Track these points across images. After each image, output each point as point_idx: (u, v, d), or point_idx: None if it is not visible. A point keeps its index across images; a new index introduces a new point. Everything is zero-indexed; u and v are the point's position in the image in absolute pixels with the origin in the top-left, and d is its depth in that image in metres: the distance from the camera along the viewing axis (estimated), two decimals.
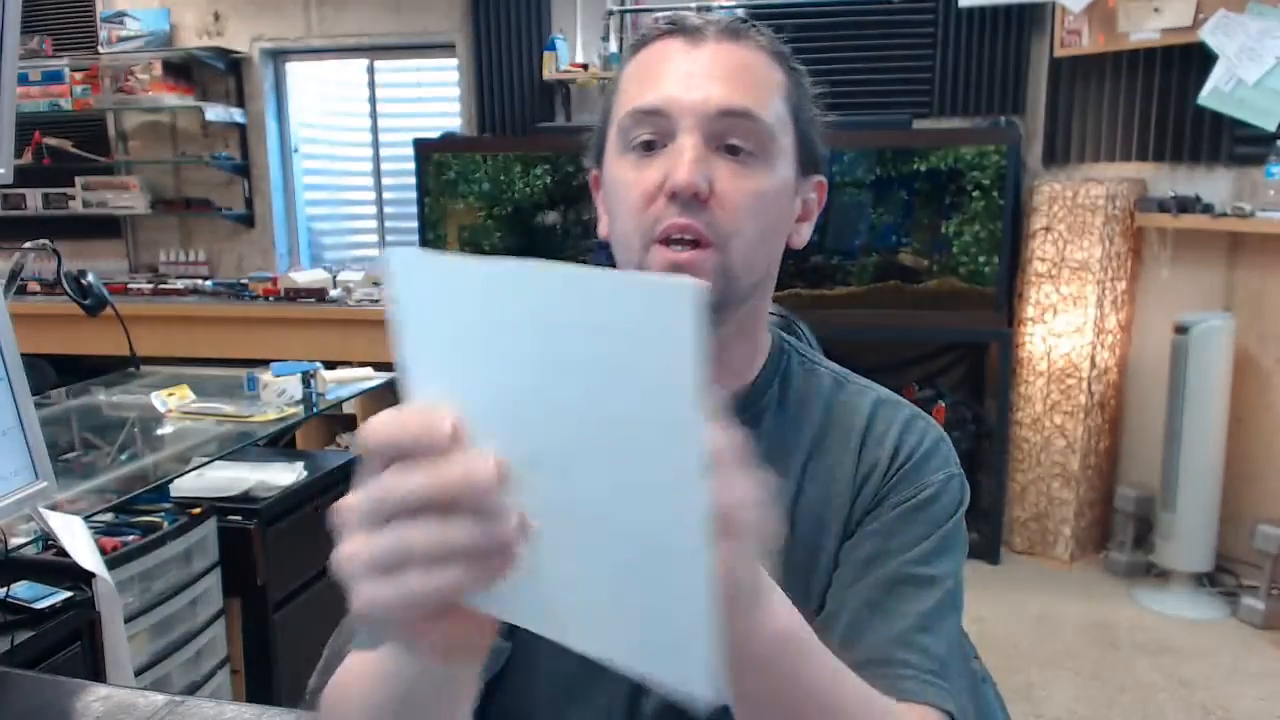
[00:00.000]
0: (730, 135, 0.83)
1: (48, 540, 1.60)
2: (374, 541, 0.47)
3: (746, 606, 0.56)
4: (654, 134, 0.84)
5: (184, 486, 2.05)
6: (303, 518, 2.26)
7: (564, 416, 0.46)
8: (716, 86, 0.83)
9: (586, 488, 0.46)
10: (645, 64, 0.88)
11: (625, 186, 0.85)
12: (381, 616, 0.49)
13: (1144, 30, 3.53)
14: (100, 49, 4.87)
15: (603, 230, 0.92)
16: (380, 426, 0.49)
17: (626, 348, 0.44)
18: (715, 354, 0.89)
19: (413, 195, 4.38)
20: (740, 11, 4.05)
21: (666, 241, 0.82)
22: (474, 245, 4.20)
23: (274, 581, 2.14)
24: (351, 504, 0.49)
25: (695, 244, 0.81)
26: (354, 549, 0.48)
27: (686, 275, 0.76)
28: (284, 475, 2.25)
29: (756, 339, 0.92)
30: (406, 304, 0.48)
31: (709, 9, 4.21)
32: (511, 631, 0.92)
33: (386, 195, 5.11)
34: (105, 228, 5.13)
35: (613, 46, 4.35)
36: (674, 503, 0.45)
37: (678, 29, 0.87)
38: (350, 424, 4.20)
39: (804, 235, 0.93)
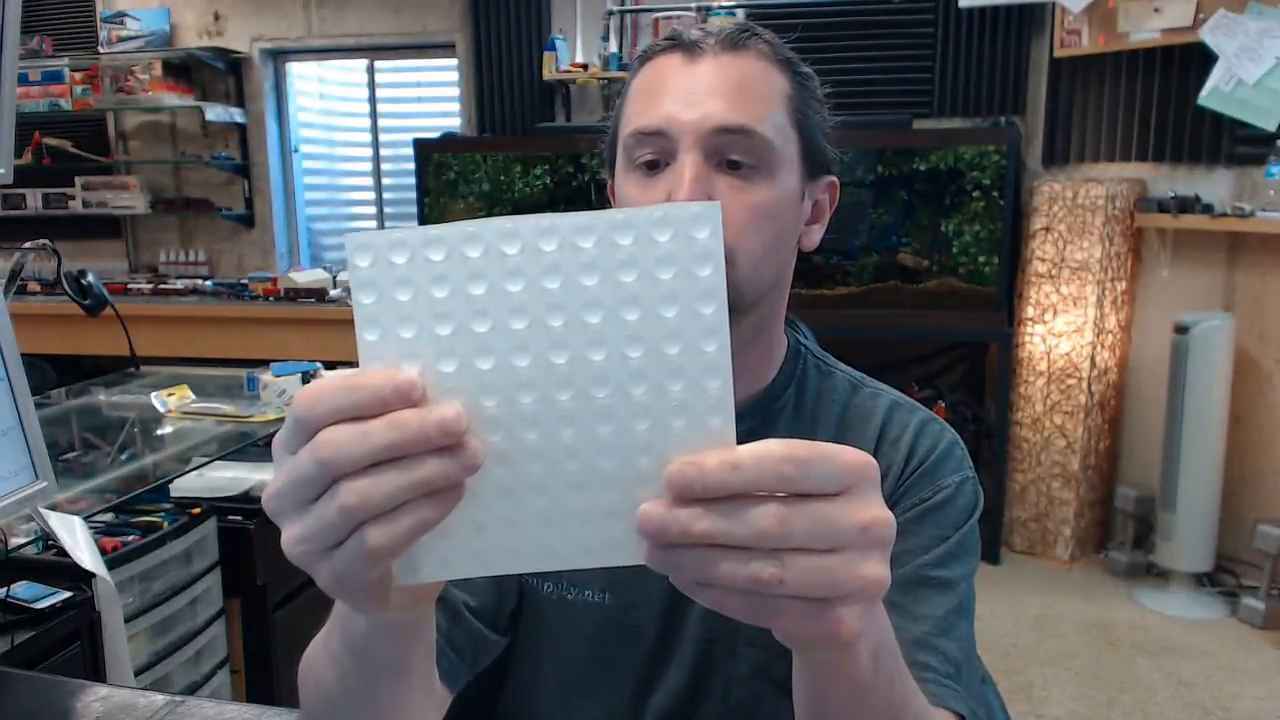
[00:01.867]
0: (729, 151, 0.83)
1: (48, 540, 1.60)
2: (323, 512, 0.46)
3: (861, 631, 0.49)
4: (656, 153, 0.85)
5: (184, 486, 2.05)
6: None
7: (571, 354, 0.47)
8: (714, 103, 0.83)
9: (596, 422, 0.47)
10: (648, 81, 0.88)
11: (631, 205, 0.86)
12: (342, 586, 0.49)
13: (1144, 30, 3.53)
14: (100, 49, 4.87)
15: None
16: (326, 386, 0.47)
17: (651, 274, 0.47)
18: (735, 358, 0.89)
19: (413, 195, 4.38)
20: (740, 14, 4.07)
21: None
22: None
23: (274, 581, 2.13)
24: (281, 485, 0.48)
25: None
26: (301, 530, 0.47)
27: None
28: None
29: (772, 343, 0.94)
30: (371, 289, 0.47)
31: (709, 10, 4.19)
32: (512, 628, 0.93)
33: (386, 195, 5.11)
34: (105, 228, 5.13)
35: (613, 46, 4.35)
36: (701, 404, 0.48)
37: (677, 44, 0.88)
38: None
39: (815, 237, 0.94)
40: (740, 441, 0.47)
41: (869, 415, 0.93)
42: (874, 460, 0.50)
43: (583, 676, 0.93)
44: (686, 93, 0.84)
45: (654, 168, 0.85)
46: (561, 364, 0.47)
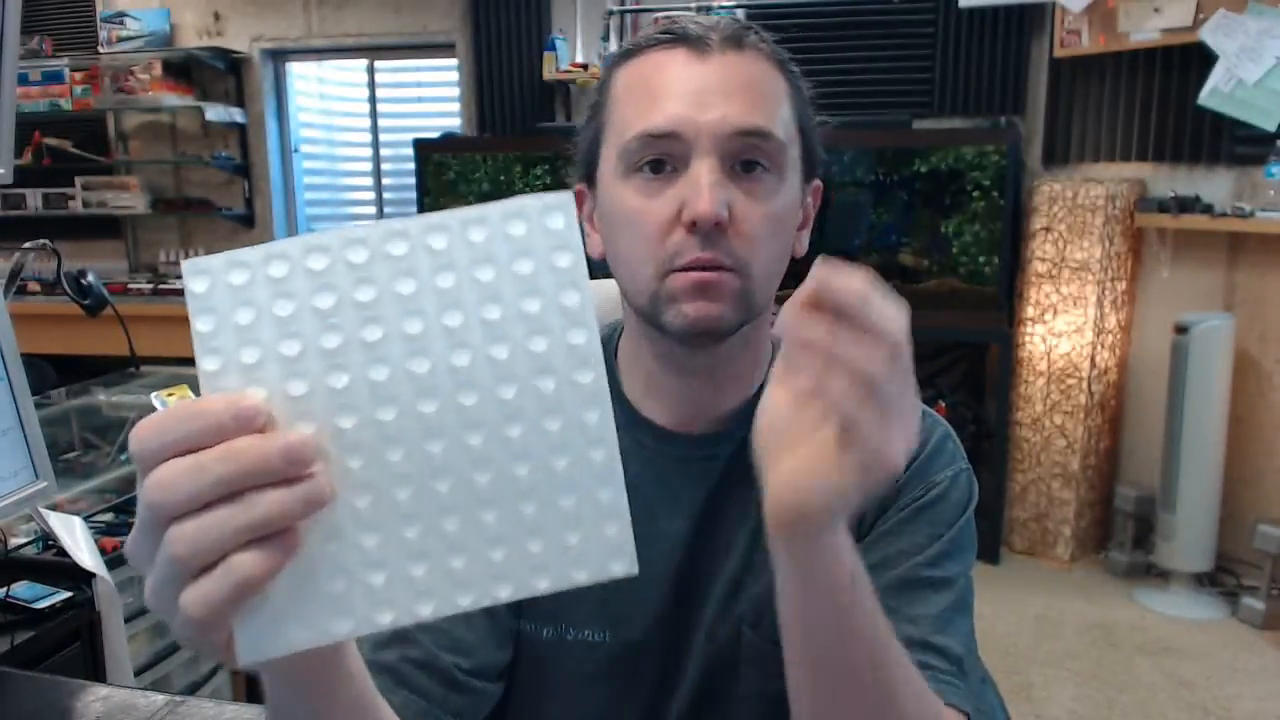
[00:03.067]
0: (746, 154, 0.80)
1: (48, 540, 1.59)
2: (159, 564, 0.42)
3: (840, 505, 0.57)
4: (664, 156, 0.80)
5: None
6: None
7: (433, 362, 0.45)
8: (731, 104, 0.79)
9: (467, 432, 0.45)
10: (645, 78, 0.83)
11: (635, 215, 0.81)
12: (195, 647, 0.45)
13: (1144, 30, 3.53)
14: (100, 49, 4.87)
15: (595, 251, 0.89)
16: (162, 417, 0.42)
17: (509, 268, 0.45)
18: (724, 367, 0.86)
19: (412, 195, 4.38)
20: (740, 13, 4.06)
21: (685, 267, 0.79)
22: None
23: None
24: (133, 533, 0.43)
25: (718, 268, 0.79)
26: (149, 585, 0.43)
27: (707, 302, 0.78)
28: None
29: (760, 348, 0.91)
30: (209, 315, 0.43)
31: (709, 10, 4.18)
32: (509, 675, 0.90)
33: (386, 195, 5.11)
34: (105, 228, 5.13)
35: (613, 46, 4.34)
36: (577, 401, 0.46)
37: (679, 39, 0.82)
38: None
39: (804, 243, 0.90)
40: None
41: None
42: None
43: (588, 715, 0.91)
44: (697, 92, 0.79)
45: (659, 170, 0.80)
46: (424, 372, 0.44)
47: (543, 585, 0.46)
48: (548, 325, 0.45)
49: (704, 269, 0.78)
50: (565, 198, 0.46)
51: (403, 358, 0.44)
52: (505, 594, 0.46)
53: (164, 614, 0.43)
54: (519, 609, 0.90)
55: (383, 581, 0.44)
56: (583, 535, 0.47)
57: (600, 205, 0.87)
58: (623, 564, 0.47)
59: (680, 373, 0.88)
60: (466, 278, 0.45)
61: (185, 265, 0.43)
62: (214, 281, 0.43)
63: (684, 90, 0.80)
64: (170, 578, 0.42)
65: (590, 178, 0.88)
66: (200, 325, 0.43)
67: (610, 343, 0.95)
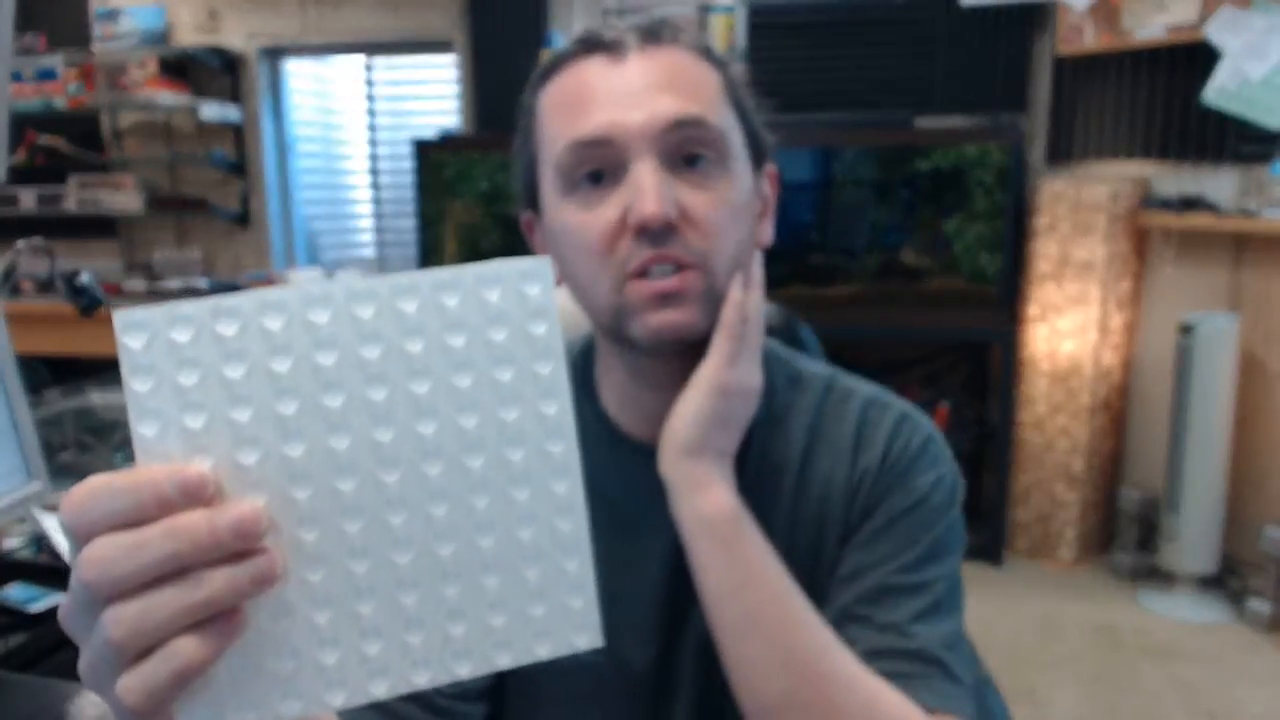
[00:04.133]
0: (686, 147, 0.77)
1: (42, 542, 1.58)
2: (95, 644, 0.39)
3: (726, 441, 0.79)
4: (600, 166, 0.77)
5: None
6: None
7: (397, 430, 0.43)
8: (658, 99, 0.76)
9: (431, 503, 0.43)
10: (567, 90, 0.80)
11: (579, 230, 0.78)
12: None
13: (1148, 28, 3.51)
14: (95, 46, 4.83)
15: (557, 272, 0.86)
16: (97, 485, 0.40)
17: (482, 335, 0.43)
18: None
19: (410, 194, 4.36)
20: (740, 13, 4.05)
21: (643, 274, 0.77)
22: (472, 244, 4.18)
23: None
24: (66, 603, 0.41)
25: (679, 269, 0.77)
26: (84, 661, 0.41)
27: (672, 310, 0.77)
28: None
29: None
30: (147, 375, 0.40)
31: (707, 10, 4.16)
32: (502, 689, 0.88)
33: (384, 194, 5.08)
34: (100, 227, 5.10)
35: None
36: (546, 471, 0.45)
37: (594, 45, 0.80)
38: None
39: (768, 233, 0.88)
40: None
41: (843, 419, 0.89)
42: None
43: None
44: (622, 94, 0.77)
45: (598, 181, 0.78)
46: (387, 442, 0.42)
47: (504, 661, 0.45)
48: (520, 395, 0.44)
49: (664, 274, 0.76)
50: (543, 263, 0.44)
51: (365, 426, 0.42)
52: (464, 671, 0.44)
53: (99, 694, 0.41)
54: None
55: (335, 660, 0.42)
56: (547, 608, 0.46)
57: (548, 230, 0.84)
58: (587, 637, 0.47)
59: (653, 386, 0.85)
60: (437, 344, 0.43)
61: (117, 319, 0.40)
62: (153, 337, 0.40)
63: (607, 95, 0.77)
64: (106, 659, 0.39)
65: (534, 203, 0.86)
66: (136, 385, 0.40)
67: (587, 353, 0.93)
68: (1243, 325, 3.36)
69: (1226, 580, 3.48)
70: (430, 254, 4.22)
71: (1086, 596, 3.51)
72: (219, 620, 0.39)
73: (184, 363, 0.40)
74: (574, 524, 0.46)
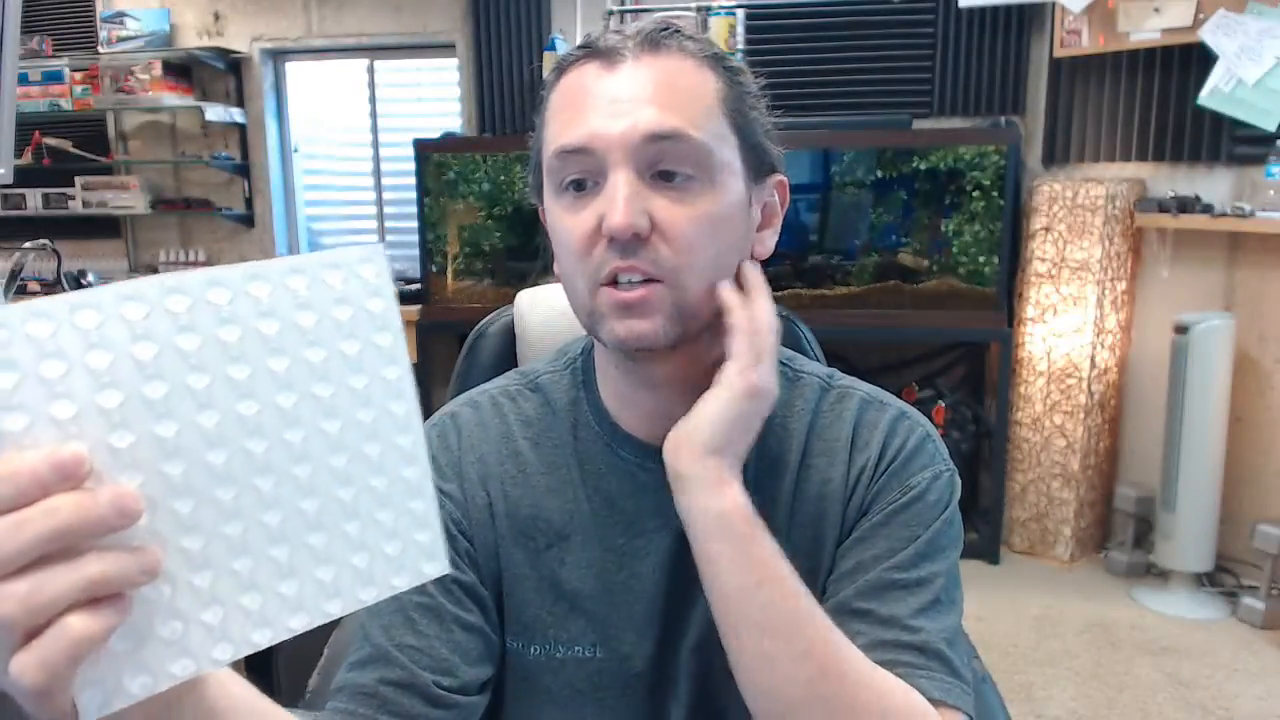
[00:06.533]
0: (663, 161, 0.78)
1: None
2: (1, 612, 0.40)
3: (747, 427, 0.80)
4: (582, 173, 0.79)
5: None
6: None
7: (260, 403, 0.46)
8: (641, 110, 0.77)
9: (295, 464, 0.47)
10: (566, 94, 0.82)
11: (563, 232, 0.81)
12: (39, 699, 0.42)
13: (1144, 30, 3.53)
14: (100, 49, 4.86)
15: (556, 268, 0.89)
16: None
17: (330, 315, 0.48)
18: (687, 378, 0.87)
19: (413, 195, 4.38)
20: (740, 14, 4.06)
21: (613, 283, 0.79)
22: (474, 245, 4.20)
23: None
24: None
25: (646, 280, 0.78)
26: None
27: (636, 320, 0.79)
28: None
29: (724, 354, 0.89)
30: (11, 369, 0.42)
31: (709, 10, 4.17)
32: (502, 684, 0.90)
33: (386, 195, 5.10)
34: (105, 228, 5.12)
35: None
36: (392, 428, 0.50)
37: (593, 52, 0.82)
38: None
39: (769, 243, 0.88)
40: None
41: (839, 419, 0.90)
42: None
43: None
44: (609, 102, 0.78)
45: (581, 188, 0.80)
46: (251, 415, 0.46)
47: (367, 597, 0.50)
48: (364, 364, 0.49)
49: (631, 284, 0.78)
50: (376, 249, 0.50)
51: (231, 401, 0.46)
52: (335, 609, 0.49)
53: None
54: (504, 627, 0.90)
55: (218, 618, 0.46)
56: (401, 544, 0.51)
57: (548, 225, 0.87)
58: (435, 565, 0.52)
59: (644, 385, 0.87)
60: (289, 323, 0.47)
61: None
62: (12, 334, 0.42)
63: (596, 103, 0.79)
64: (1, 639, 0.41)
65: (541, 197, 0.88)
66: (0, 382, 0.41)
67: (589, 352, 0.95)
68: (1237, 325, 3.38)
69: (1221, 577, 3.50)
70: (432, 254, 4.24)
71: (1082, 594, 3.53)
72: (107, 599, 0.41)
73: (46, 355, 0.42)
74: (419, 471, 0.51)
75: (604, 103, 0.78)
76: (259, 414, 0.46)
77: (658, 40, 0.81)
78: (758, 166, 0.85)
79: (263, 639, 0.47)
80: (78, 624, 0.40)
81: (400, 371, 0.50)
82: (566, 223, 0.81)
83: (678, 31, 0.82)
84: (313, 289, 0.47)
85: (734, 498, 0.77)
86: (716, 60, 0.83)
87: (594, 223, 0.78)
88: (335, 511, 0.48)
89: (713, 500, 0.77)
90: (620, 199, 0.76)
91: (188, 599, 0.45)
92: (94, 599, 0.41)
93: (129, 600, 0.42)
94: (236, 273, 0.46)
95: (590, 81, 0.80)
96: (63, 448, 0.41)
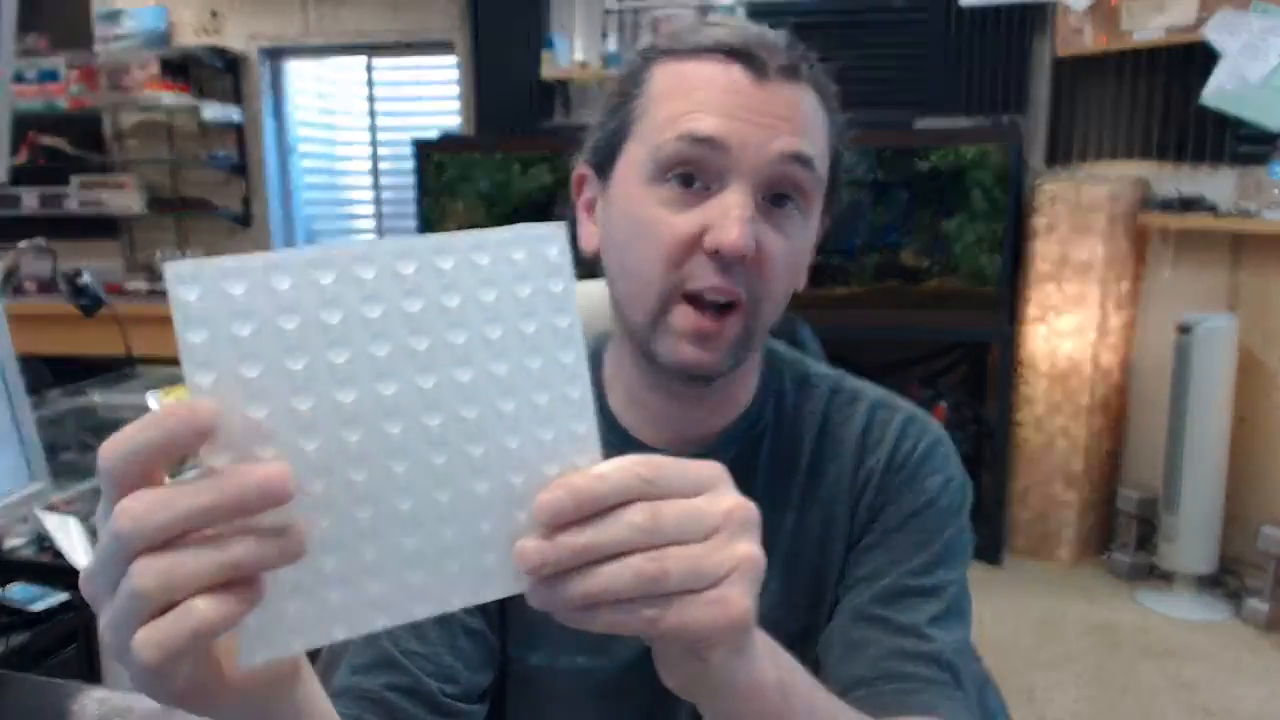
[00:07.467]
0: (782, 184, 0.77)
1: (44, 542, 1.58)
2: (120, 599, 0.40)
3: (738, 653, 0.53)
4: (698, 168, 0.76)
5: None
6: None
7: (438, 377, 0.46)
8: (784, 127, 0.76)
9: (468, 444, 0.46)
10: (694, 82, 0.78)
11: (653, 227, 0.77)
12: (151, 691, 0.43)
13: (1147, 29, 3.52)
14: (96, 47, 4.84)
15: (589, 244, 0.85)
16: (130, 429, 0.41)
17: (510, 291, 0.47)
18: (714, 394, 0.86)
19: (411, 195, 4.37)
20: (740, 13, 4.05)
21: (695, 300, 0.76)
22: None
23: None
24: (92, 563, 0.42)
25: (728, 306, 0.77)
26: (106, 619, 0.41)
27: (704, 351, 0.77)
28: None
29: (751, 369, 0.89)
30: (202, 326, 0.41)
31: (708, 9, 4.16)
32: (504, 691, 0.89)
33: (385, 195, 5.09)
34: (102, 227, 5.10)
35: (612, 45, 4.34)
36: (567, 414, 0.48)
37: (736, 54, 0.77)
38: None
39: (804, 277, 0.88)
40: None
41: (849, 421, 0.89)
42: (723, 467, 0.50)
43: None
44: (756, 112, 0.75)
45: (689, 184, 0.76)
46: (429, 387, 0.45)
47: (524, 586, 0.48)
48: (541, 344, 0.47)
49: (715, 306, 0.76)
50: (559, 227, 0.48)
51: (409, 373, 0.45)
52: (492, 592, 0.47)
53: (116, 656, 0.42)
54: (504, 636, 0.89)
55: (381, 590, 0.45)
56: None
57: (611, 203, 0.82)
58: None
59: (667, 396, 0.86)
60: (472, 298, 0.46)
61: (169, 270, 0.41)
62: (207, 289, 0.41)
63: (735, 105, 0.76)
64: (130, 612, 0.40)
65: (602, 167, 0.84)
66: (191, 336, 0.41)
67: (596, 355, 0.93)
68: (1241, 325, 3.37)
69: (1224, 579, 3.49)
70: None
71: (1085, 596, 3.52)
72: (240, 586, 0.41)
73: (238, 314, 0.42)
74: (588, 460, 0.49)
75: (743, 108, 0.76)
76: (437, 387, 0.45)
77: (797, 68, 0.79)
78: (828, 207, 0.85)
79: (423, 611, 0.46)
80: (205, 609, 0.40)
81: (575, 355, 0.48)
82: (658, 216, 0.77)
83: (807, 59, 0.81)
84: (496, 265, 0.47)
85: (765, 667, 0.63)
86: (829, 97, 0.83)
87: (695, 230, 0.75)
88: (504, 499, 0.47)
89: (743, 673, 0.61)
90: (742, 219, 0.74)
91: (354, 568, 0.44)
92: (229, 582, 0.40)
93: (261, 588, 0.41)
94: (424, 244, 0.45)
95: (730, 81, 0.77)
96: (200, 406, 0.40)
